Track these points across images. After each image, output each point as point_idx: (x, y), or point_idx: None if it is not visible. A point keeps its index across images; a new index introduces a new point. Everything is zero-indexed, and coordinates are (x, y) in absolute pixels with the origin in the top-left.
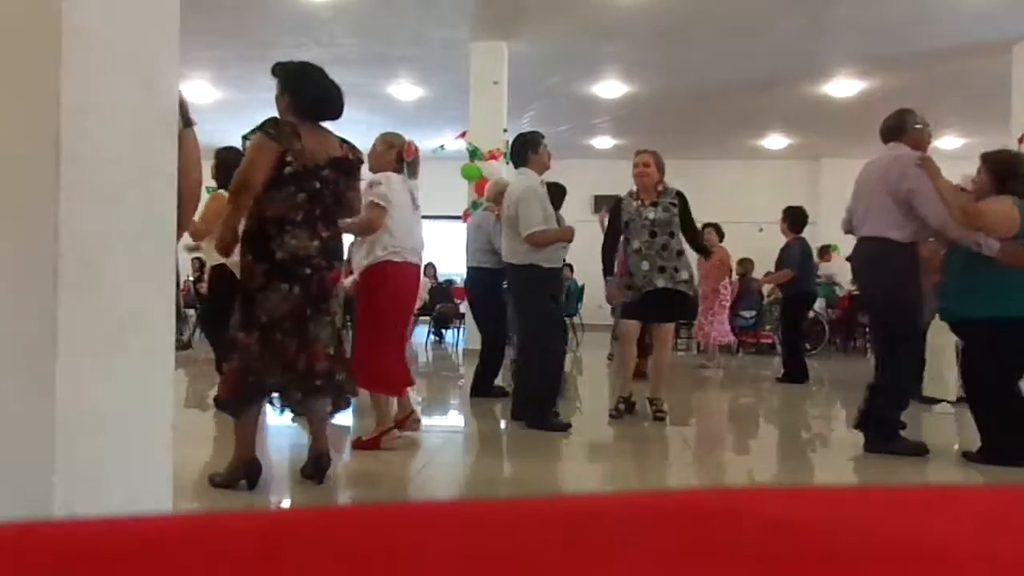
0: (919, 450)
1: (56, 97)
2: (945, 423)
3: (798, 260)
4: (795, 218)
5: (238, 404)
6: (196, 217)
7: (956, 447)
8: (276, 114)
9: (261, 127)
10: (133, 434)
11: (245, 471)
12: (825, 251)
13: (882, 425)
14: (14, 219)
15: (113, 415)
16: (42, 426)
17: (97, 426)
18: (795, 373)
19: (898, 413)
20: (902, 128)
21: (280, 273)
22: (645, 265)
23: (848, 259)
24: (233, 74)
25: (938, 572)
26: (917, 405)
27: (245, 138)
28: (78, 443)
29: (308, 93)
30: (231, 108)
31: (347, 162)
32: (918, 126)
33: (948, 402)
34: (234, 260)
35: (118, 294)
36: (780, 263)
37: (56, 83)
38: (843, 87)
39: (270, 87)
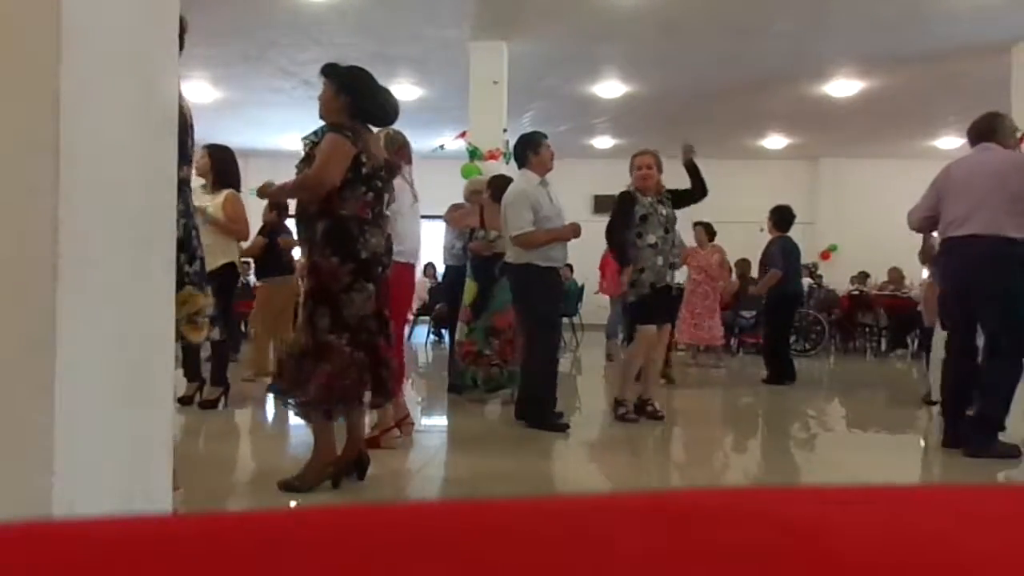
0: (1014, 452)
1: (56, 97)
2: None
3: (779, 259)
4: (781, 217)
5: (332, 407)
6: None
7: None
8: (282, 112)
9: (335, 129)
10: (133, 434)
11: (331, 472)
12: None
13: (985, 427)
14: (14, 219)
15: (113, 415)
16: (42, 426)
17: (97, 426)
18: (778, 374)
19: (1004, 415)
20: (993, 131)
21: (364, 273)
22: (660, 260)
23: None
24: (233, 74)
25: (938, 572)
26: (922, 407)
27: (306, 139)
28: (78, 443)
29: (372, 97)
30: (231, 108)
31: (393, 164)
32: (1008, 131)
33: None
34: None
35: (118, 294)
36: (763, 263)
37: (56, 83)
38: (843, 87)
39: (270, 87)
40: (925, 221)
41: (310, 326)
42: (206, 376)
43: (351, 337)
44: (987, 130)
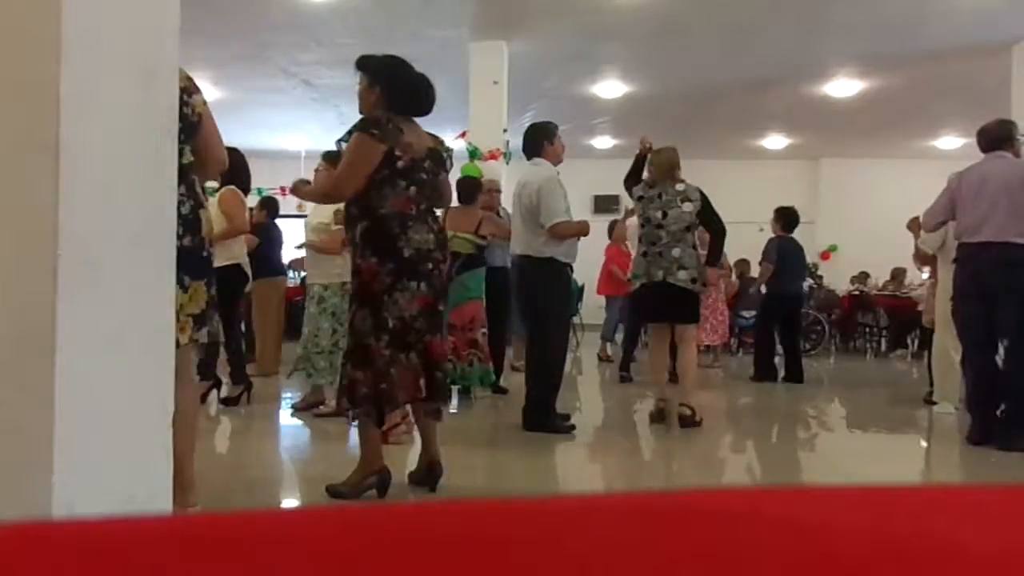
0: None
1: (56, 97)
2: (946, 423)
3: (773, 258)
4: (787, 219)
5: (374, 412)
6: (215, 214)
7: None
8: (282, 112)
9: (361, 127)
10: (133, 434)
11: (377, 480)
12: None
13: (1018, 423)
14: (14, 219)
15: (113, 415)
16: (42, 426)
17: (97, 426)
18: (770, 372)
19: None
20: (1004, 139)
21: (409, 271)
22: None
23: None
24: (233, 74)
25: (939, 572)
26: (923, 407)
27: (341, 141)
28: (78, 443)
29: (403, 87)
30: (231, 108)
31: (441, 153)
32: (1020, 137)
33: (954, 406)
34: (234, 257)
35: (118, 294)
36: (761, 262)
37: (56, 83)
38: (843, 87)
39: (270, 87)
40: (941, 225)
41: (352, 329)
42: (217, 376)
43: (393, 339)
44: (1000, 138)
